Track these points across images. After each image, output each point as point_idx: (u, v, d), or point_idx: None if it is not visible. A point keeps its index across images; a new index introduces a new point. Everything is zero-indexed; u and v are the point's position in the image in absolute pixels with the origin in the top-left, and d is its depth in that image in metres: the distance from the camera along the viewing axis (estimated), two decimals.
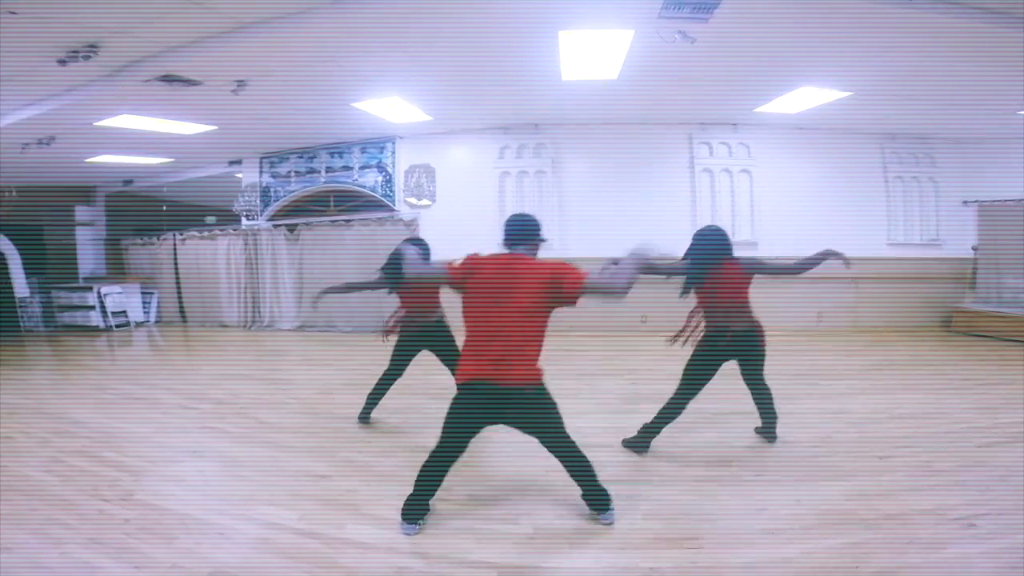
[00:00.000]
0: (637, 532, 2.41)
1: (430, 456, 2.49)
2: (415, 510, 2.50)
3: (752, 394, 3.35)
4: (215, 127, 6.91)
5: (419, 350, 3.88)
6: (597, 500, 2.52)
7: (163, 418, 4.28)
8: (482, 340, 2.35)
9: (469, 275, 2.42)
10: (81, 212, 10.39)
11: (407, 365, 3.91)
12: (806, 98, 6.13)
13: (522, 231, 2.54)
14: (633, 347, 6.38)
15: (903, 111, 6.55)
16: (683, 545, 2.29)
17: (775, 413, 3.39)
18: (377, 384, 3.94)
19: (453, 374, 3.41)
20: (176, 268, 9.85)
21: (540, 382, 2.40)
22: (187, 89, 5.13)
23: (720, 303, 3.13)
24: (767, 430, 3.44)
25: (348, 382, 5.20)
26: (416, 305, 3.78)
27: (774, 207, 7.56)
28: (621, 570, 2.18)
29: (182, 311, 9.84)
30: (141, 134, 6.73)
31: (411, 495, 2.51)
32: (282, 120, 6.96)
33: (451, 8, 3.86)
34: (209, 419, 4.23)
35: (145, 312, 9.84)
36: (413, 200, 7.96)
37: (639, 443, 3.31)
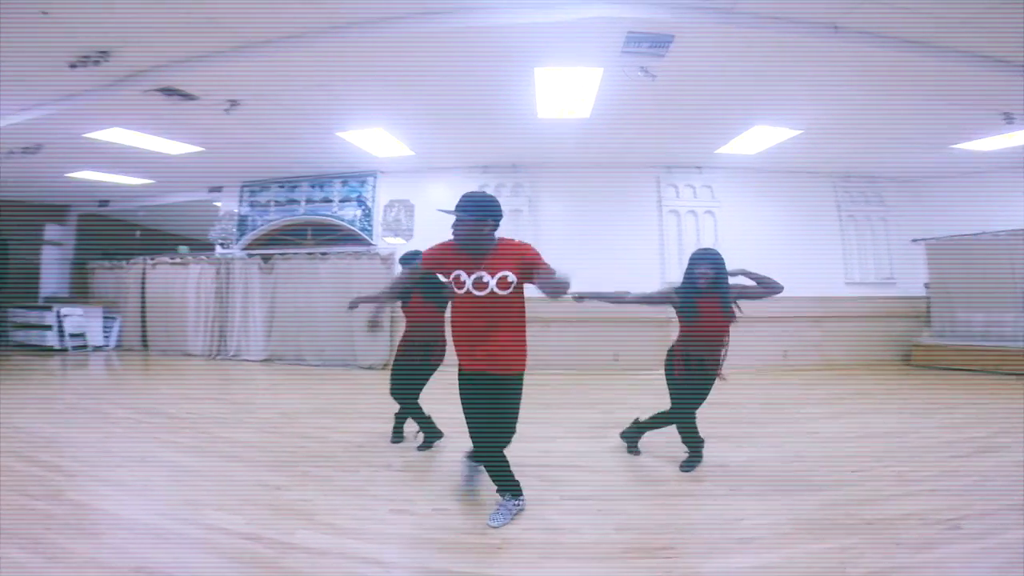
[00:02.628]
0: (609, 544, 2.30)
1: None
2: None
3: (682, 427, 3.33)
4: (202, 149, 6.94)
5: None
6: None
7: (110, 428, 4.04)
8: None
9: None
10: (51, 231, 10.13)
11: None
12: (761, 137, 6.44)
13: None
14: (606, 384, 6.32)
15: (847, 148, 6.89)
16: (657, 555, 2.18)
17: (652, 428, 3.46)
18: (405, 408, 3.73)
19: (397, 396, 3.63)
20: (143, 294, 9.54)
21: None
22: (183, 104, 5.21)
23: (706, 333, 3.11)
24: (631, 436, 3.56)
25: (314, 408, 5.01)
26: (420, 319, 3.63)
27: (738, 247, 7.70)
28: None
29: (144, 338, 9.47)
30: (127, 151, 6.72)
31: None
32: (268, 146, 7.01)
33: (438, 40, 4.07)
34: (160, 432, 4.00)
35: (105, 337, 9.45)
36: (390, 238, 7.99)
37: (631, 437, 3.51)
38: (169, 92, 4.89)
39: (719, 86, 4.87)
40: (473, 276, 2.38)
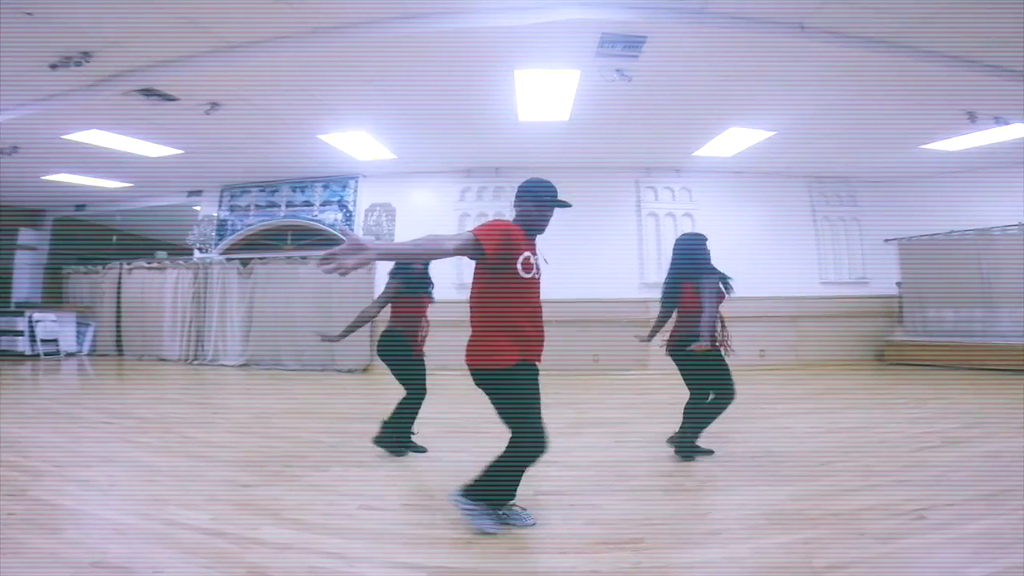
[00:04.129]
0: (577, 537, 2.29)
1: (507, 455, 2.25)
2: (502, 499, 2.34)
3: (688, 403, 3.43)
4: (181, 151, 6.90)
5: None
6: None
7: (79, 430, 3.96)
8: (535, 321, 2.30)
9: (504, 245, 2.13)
10: (25, 235, 9.93)
11: (424, 378, 3.56)
12: (736, 139, 6.58)
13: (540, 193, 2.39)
14: (585, 384, 6.35)
15: (820, 149, 7.07)
16: (626, 547, 2.18)
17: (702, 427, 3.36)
18: (400, 410, 3.49)
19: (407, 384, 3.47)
20: (118, 299, 9.39)
21: None
22: (163, 105, 5.19)
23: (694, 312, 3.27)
24: (683, 445, 3.37)
25: (288, 410, 4.96)
26: (406, 314, 3.50)
27: (716, 249, 7.81)
28: (563, 573, 2.04)
29: (119, 343, 9.31)
30: (106, 153, 6.66)
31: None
32: (248, 148, 6.99)
33: (419, 44, 4.13)
34: (130, 433, 3.93)
35: (79, 342, 9.28)
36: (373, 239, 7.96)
37: (691, 449, 3.31)
38: (149, 93, 4.88)
39: (693, 87, 4.97)
40: (536, 259, 2.29)
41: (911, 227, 8.24)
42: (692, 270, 3.38)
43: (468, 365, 2.26)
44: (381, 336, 3.53)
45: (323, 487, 2.85)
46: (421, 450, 3.50)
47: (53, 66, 4.31)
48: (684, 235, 3.60)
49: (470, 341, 2.27)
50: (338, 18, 3.98)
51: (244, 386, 6.73)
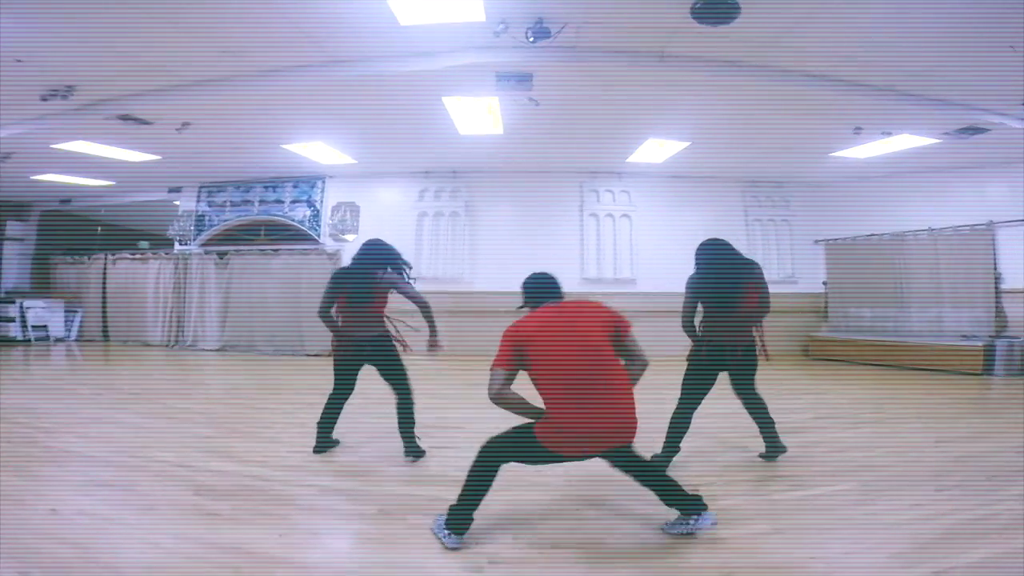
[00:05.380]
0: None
1: None
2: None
3: (747, 409, 3.32)
4: (159, 157, 7.65)
5: (360, 365, 3.46)
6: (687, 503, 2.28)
7: (74, 400, 4.85)
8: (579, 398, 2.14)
9: (525, 344, 2.20)
10: (12, 227, 10.60)
11: (353, 381, 3.50)
12: (655, 149, 7.38)
13: (545, 287, 2.48)
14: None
15: (734, 157, 7.83)
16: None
17: (772, 424, 3.30)
18: (326, 408, 3.48)
19: (398, 391, 3.38)
20: (104, 288, 10.13)
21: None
22: (139, 127, 6.01)
23: (734, 319, 3.18)
24: (771, 448, 3.29)
25: (258, 385, 5.86)
26: (354, 319, 3.39)
27: (650, 248, 8.68)
28: None
29: (105, 329, 10.07)
30: (90, 158, 7.42)
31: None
32: (220, 155, 7.79)
33: (352, 79, 4.96)
34: (120, 401, 4.84)
35: (67, 329, 10.01)
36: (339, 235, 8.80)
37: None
38: (126, 118, 5.71)
39: (600, 107, 5.80)
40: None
41: (838, 229, 8.82)
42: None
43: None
44: (377, 339, 3.38)
45: (268, 439, 3.72)
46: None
47: (43, 98, 5.15)
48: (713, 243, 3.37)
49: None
50: (282, 62, 4.84)
51: (220, 367, 7.57)
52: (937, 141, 6.47)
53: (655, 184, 8.93)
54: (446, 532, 2.21)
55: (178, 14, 3.95)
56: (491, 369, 2.19)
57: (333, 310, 3.43)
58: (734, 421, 3.67)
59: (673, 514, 2.30)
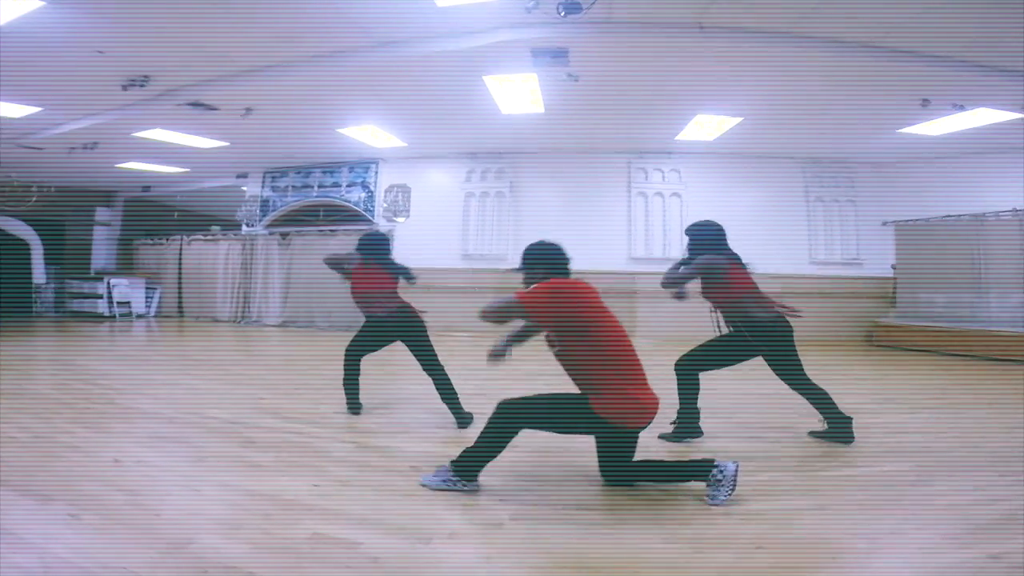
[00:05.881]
0: None
1: None
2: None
3: (803, 395, 3.12)
4: (227, 143, 8.13)
5: (385, 341, 3.65)
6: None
7: (149, 368, 5.26)
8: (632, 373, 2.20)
9: (585, 310, 2.20)
10: (101, 213, 11.58)
11: (367, 349, 3.67)
12: (706, 125, 7.10)
13: (563, 259, 2.44)
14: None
15: (790, 134, 7.47)
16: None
17: (835, 408, 3.09)
18: (345, 371, 3.65)
19: (431, 372, 3.41)
20: (180, 267, 10.92)
21: None
22: (208, 113, 6.44)
23: (733, 297, 3.08)
24: (836, 429, 3.08)
25: (312, 355, 6.24)
26: (366, 292, 3.56)
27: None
28: None
29: (180, 306, 10.84)
30: (167, 146, 8.01)
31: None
32: (281, 140, 8.19)
33: (395, 61, 5.11)
34: (187, 368, 5.23)
35: (147, 305, 10.82)
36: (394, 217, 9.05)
37: (687, 432, 3.10)
38: (196, 105, 6.14)
39: (642, 83, 5.67)
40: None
41: (908, 211, 8.20)
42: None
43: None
44: (397, 313, 3.49)
45: (315, 400, 3.93)
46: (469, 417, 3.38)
47: (124, 87, 5.62)
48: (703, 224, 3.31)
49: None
50: (331, 47, 5.05)
51: (279, 340, 8.01)
52: (1019, 116, 5.93)
53: (707, 162, 8.63)
54: (455, 479, 2.27)
55: (233, 2, 4.18)
56: (514, 296, 2.22)
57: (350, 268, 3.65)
58: (780, 402, 3.53)
59: (698, 488, 2.26)
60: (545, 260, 2.42)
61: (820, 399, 3.08)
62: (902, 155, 8.22)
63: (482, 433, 2.29)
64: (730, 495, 2.20)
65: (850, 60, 4.86)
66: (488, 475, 2.38)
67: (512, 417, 2.25)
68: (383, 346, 3.69)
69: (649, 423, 2.23)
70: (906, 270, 8.20)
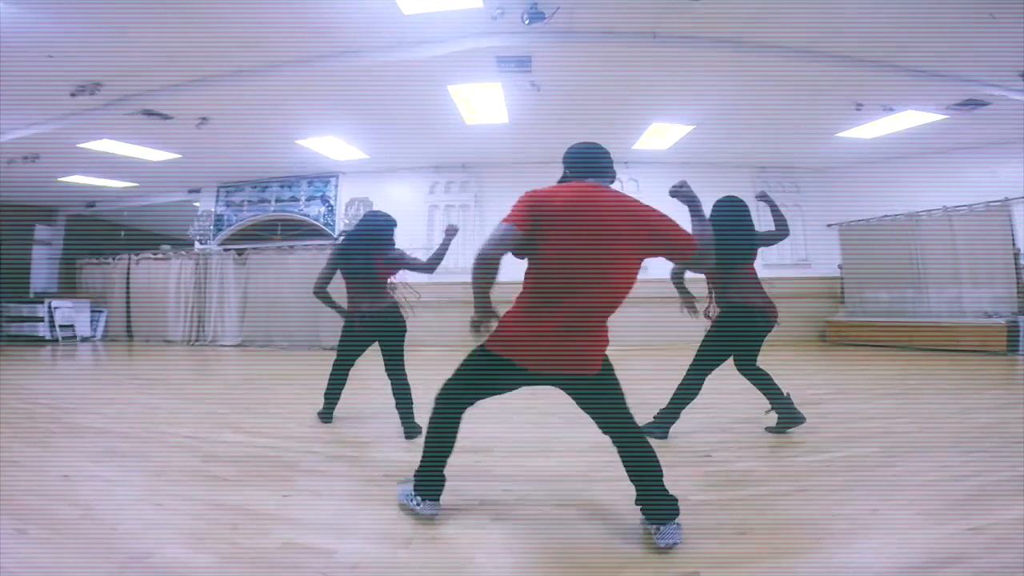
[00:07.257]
0: None
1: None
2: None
3: (750, 380, 3.20)
4: (180, 155, 7.85)
5: (368, 342, 3.41)
6: (660, 507, 1.87)
7: (99, 386, 5.05)
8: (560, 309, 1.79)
9: (538, 215, 1.81)
10: (40, 231, 10.95)
11: (355, 356, 3.51)
12: (661, 133, 7.33)
13: (593, 160, 2.06)
14: None
15: (739, 141, 7.77)
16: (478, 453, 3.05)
17: (781, 395, 3.15)
18: (330, 378, 3.57)
19: (393, 376, 3.25)
20: (128, 287, 10.39)
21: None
22: (161, 122, 6.22)
23: (739, 279, 3.19)
24: (785, 415, 3.13)
25: (272, 374, 5.97)
26: (359, 293, 3.34)
27: None
28: None
29: (129, 328, 10.31)
30: (115, 158, 7.65)
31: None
32: (237, 152, 7.95)
33: (360, 69, 5.05)
34: (140, 387, 4.96)
35: (93, 328, 10.27)
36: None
37: (657, 428, 3.06)
38: (149, 113, 5.91)
39: (602, 91, 5.81)
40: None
41: (850, 213, 8.76)
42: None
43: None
44: (386, 312, 3.29)
45: (279, 416, 3.78)
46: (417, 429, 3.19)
47: (73, 94, 5.37)
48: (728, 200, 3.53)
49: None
50: (293, 54, 4.96)
51: (238, 359, 7.69)
52: (942, 117, 6.37)
53: (662, 171, 8.69)
54: (417, 500, 2.06)
55: (192, 6, 4.08)
56: (501, 222, 1.81)
57: (347, 283, 3.42)
58: (746, 397, 3.59)
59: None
60: (581, 161, 2.06)
61: (766, 384, 3.17)
62: (841, 159, 8.71)
63: (427, 429, 2.13)
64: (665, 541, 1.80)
65: (790, 65, 5.12)
66: (468, 479, 2.34)
67: (444, 396, 2.05)
68: (368, 345, 3.44)
69: (550, 374, 1.84)
70: (852, 269, 8.73)
